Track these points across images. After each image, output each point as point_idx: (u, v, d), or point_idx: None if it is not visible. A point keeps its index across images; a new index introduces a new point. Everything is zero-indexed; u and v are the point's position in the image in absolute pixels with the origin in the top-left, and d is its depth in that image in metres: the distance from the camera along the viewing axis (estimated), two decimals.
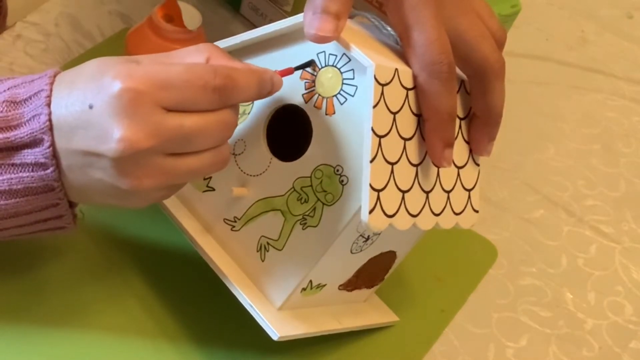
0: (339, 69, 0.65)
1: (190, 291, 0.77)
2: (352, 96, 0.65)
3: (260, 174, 0.70)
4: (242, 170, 0.71)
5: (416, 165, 0.66)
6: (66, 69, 0.88)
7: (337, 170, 0.66)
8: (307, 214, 0.67)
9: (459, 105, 0.69)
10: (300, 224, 0.68)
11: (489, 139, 0.72)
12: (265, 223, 0.70)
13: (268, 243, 0.70)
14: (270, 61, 0.70)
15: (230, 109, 0.63)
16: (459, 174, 0.71)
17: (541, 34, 1.17)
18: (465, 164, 0.72)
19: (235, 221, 0.71)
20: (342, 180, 0.66)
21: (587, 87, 1.12)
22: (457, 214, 0.72)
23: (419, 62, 0.65)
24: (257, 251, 0.70)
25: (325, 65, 0.66)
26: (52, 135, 0.61)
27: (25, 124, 0.61)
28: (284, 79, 0.66)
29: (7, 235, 0.66)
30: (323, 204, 0.67)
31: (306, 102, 0.68)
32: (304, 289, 0.70)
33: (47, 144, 0.61)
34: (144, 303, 0.75)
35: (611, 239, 0.95)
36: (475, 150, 0.72)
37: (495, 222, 0.93)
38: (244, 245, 0.71)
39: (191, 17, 0.81)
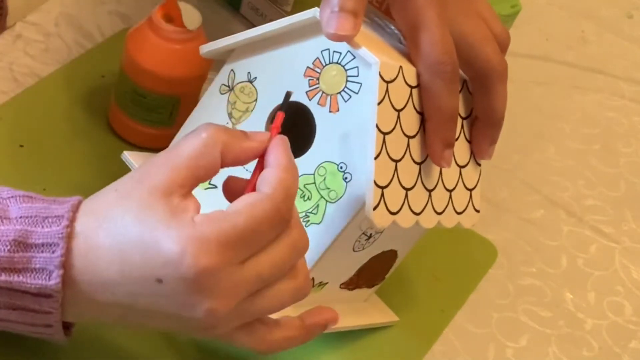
0: (343, 66, 0.65)
1: None
2: (357, 93, 0.65)
3: None
4: (245, 167, 0.71)
5: (419, 163, 0.66)
6: (67, 71, 0.88)
7: (341, 168, 0.66)
8: (310, 211, 0.67)
9: (461, 104, 0.69)
10: (303, 221, 0.68)
11: (490, 142, 0.72)
12: None
13: None
14: (270, 61, 0.70)
15: (296, 226, 0.60)
16: (461, 173, 0.71)
17: (541, 34, 1.17)
18: (467, 164, 0.72)
19: None
20: (346, 178, 0.66)
21: (587, 87, 1.12)
22: (458, 213, 0.72)
23: (422, 62, 0.65)
24: None
25: (330, 63, 0.66)
26: (62, 292, 0.57)
27: (32, 272, 0.57)
28: (290, 77, 0.66)
29: None
30: (326, 201, 0.67)
31: (310, 99, 0.67)
32: None
33: (55, 299, 0.57)
34: None
35: (611, 239, 0.95)
36: (476, 152, 0.72)
37: (495, 222, 0.93)
38: None
39: (191, 17, 0.81)
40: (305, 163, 0.67)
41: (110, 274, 0.57)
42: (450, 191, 0.70)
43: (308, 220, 0.67)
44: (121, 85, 0.83)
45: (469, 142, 0.72)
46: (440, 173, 0.69)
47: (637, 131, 1.08)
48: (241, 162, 0.60)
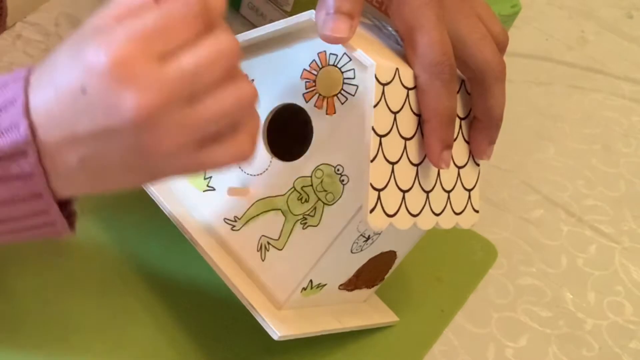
0: (339, 69, 0.65)
1: (190, 291, 0.77)
2: (353, 95, 0.65)
3: (261, 173, 0.70)
4: (242, 170, 0.71)
5: (417, 165, 0.66)
6: None
7: (338, 170, 0.66)
8: (307, 213, 0.67)
9: (459, 105, 0.69)
10: (301, 223, 0.68)
11: (488, 142, 0.72)
12: (265, 223, 0.70)
13: (268, 243, 0.70)
14: (267, 63, 0.70)
15: (219, 30, 0.58)
16: (459, 174, 0.71)
17: (541, 34, 1.17)
18: (466, 164, 0.72)
19: (235, 221, 0.71)
20: (343, 180, 0.66)
21: (587, 87, 1.12)
22: (457, 214, 0.72)
23: (420, 63, 0.65)
24: (258, 251, 0.70)
25: (326, 65, 0.66)
26: (36, 145, 0.58)
27: (2, 134, 0.58)
28: (287, 80, 0.66)
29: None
30: (324, 203, 0.67)
31: (307, 102, 0.68)
32: (304, 289, 0.70)
33: (31, 154, 0.58)
34: (144, 303, 0.75)
35: (611, 239, 0.95)
36: (475, 153, 0.72)
37: (495, 222, 0.93)
38: (244, 245, 0.71)
39: None
40: (303, 165, 0.68)
41: (52, 106, 0.58)
42: (448, 192, 0.70)
43: (306, 223, 0.67)
44: None
45: (467, 142, 0.72)
46: (438, 174, 0.69)
47: (637, 131, 1.08)
48: None
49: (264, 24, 0.69)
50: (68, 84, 0.57)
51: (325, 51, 0.66)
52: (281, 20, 0.67)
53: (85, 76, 0.56)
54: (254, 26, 0.98)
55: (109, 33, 0.56)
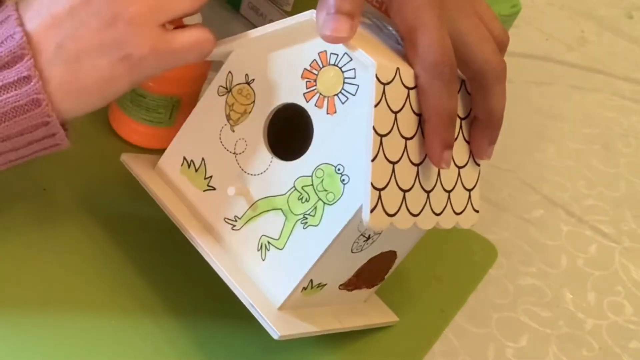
0: (340, 68, 0.65)
1: (190, 290, 0.77)
2: (354, 95, 0.65)
3: (261, 173, 0.70)
4: (242, 170, 0.71)
5: (417, 165, 0.66)
6: None
7: (338, 170, 0.66)
8: (308, 213, 0.67)
9: (460, 105, 0.69)
10: (301, 223, 0.68)
11: (489, 142, 0.72)
12: (266, 222, 0.70)
13: (269, 242, 0.70)
14: (268, 62, 0.70)
15: None
16: (459, 174, 0.71)
17: (541, 34, 1.17)
18: (466, 164, 0.72)
19: (235, 220, 0.71)
20: (343, 180, 0.66)
21: (587, 87, 1.12)
22: (457, 214, 0.72)
23: (420, 63, 0.65)
24: (258, 250, 0.70)
25: (327, 65, 0.66)
26: (31, 49, 0.62)
27: (1, 45, 0.62)
28: (288, 79, 0.66)
29: (4, 161, 0.66)
30: (324, 203, 0.67)
31: (307, 101, 0.68)
32: (304, 289, 0.70)
33: (27, 57, 0.62)
34: (144, 303, 0.75)
35: (611, 239, 0.95)
36: (475, 153, 0.72)
37: (495, 222, 0.93)
38: (245, 245, 0.71)
39: (191, 17, 0.81)
40: (303, 165, 0.68)
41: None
42: (448, 192, 0.70)
43: (306, 222, 0.67)
44: None
45: (468, 142, 0.72)
46: (439, 174, 0.69)
47: (637, 131, 1.08)
48: None
49: (264, 24, 0.69)
50: None
51: (325, 51, 0.66)
52: (281, 20, 0.67)
53: None
54: (254, 26, 0.98)
55: None
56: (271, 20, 0.99)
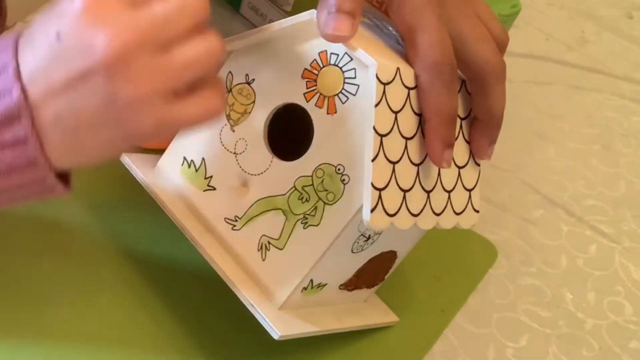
0: (340, 68, 0.65)
1: (191, 291, 0.77)
2: (354, 95, 0.65)
3: (262, 173, 0.70)
4: (243, 170, 0.71)
5: (417, 165, 0.66)
6: None
7: (339, 170, 0.66)
8: (308, 213, 0.67)
9: (460, 105, 0.69)
10: (302, 223, 0.68)
11: (489, 142, 0.72)
12: (266, 222, 0.70)
13: (269, 242, 0.70)
14: (268, 62, 0.70)
15: None
16: (459, 174, 0.71)
17: (541, 34, 1.17)
18: (466, 164, 0.72)
19: (236, 220, 0.71)
20: (344, 180, 0.66)
21: (587, 87, 1.12)
22: (457, 214, 0.72)
23: (421, 63, 0.65)
24: (258, 250, 0.70)
25: (327, 64, 0.66)
26: (29, 108, 0.58)
27: None
28: (288, 79, 0.66)
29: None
30: (324, 203, 0.67)
31: (307, 101, 0.68)
32: (304, 289, 0.70)
33: (25, 118, 0.58)
34: (144, 303, 0.75)
35: (611, 239, 0.95)
36: (475, 153, 0.72)
37: (495, 222, 0.93)
38: (245, 245, 0.71)
39: None
40: (303, 165, 0.68)
41: (28, 59, 0.58)
42: (449, 192, 0.70)
43: (306, 222, 0.67)
44: None
45: (468, 142, 0.72)
46: (439, 174, 0.69)
47: (637, 131, 1.08)
48: None
49: (264, 24, 0.69)
50: (45, 34, 0.58)
51: (326, 50, 0.66)
52: (282, 20, 0.67)
53: (59, 22, 0.57)
54: (254, 26, 0.99)
55: None
56: (271, 20, 0.99)
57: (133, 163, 0.75)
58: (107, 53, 0.55)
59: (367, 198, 0.62)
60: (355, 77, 0.65)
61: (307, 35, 0.67)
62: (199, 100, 0.60)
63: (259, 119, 0.70)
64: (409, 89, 0.65)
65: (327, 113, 0.66)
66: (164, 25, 0.57)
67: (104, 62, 0.56)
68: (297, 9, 0.97)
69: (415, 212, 0.67)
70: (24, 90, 0.58)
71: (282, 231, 0.69)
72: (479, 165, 0.73)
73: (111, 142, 0.60)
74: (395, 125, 0.64)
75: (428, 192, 0.68)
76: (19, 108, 0.58)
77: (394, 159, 0.64)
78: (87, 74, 0.56)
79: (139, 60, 0.56)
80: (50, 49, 0.57)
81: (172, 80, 0.58)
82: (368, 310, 0.79)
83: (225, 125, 0.72)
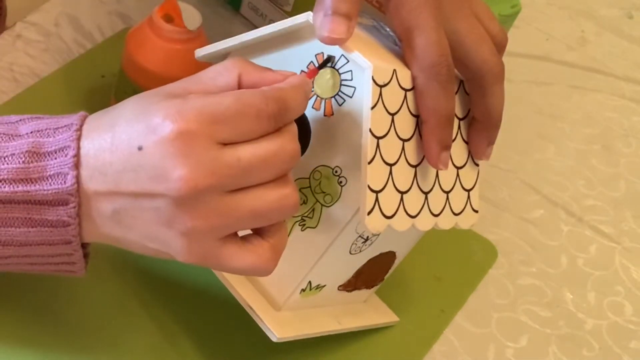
0: (337, 70, 0.65)
1: (190, 292, 0.77)
2: (351, 97, 0.65)
3: None
4: None
5: (415, 166, 0.66)
6: (67, 71, 0.89)
7: (336, 172, 0.66)
8: (305, 215, 0.67)
9: (458, 105, 0.69)
10: (299, 225, 0.68)
11: (488, 143, 0.72)
12: None
13: None
14: (270, 62, 0.70)
15: (287, 133, 0.60)
16: (458, 174, 0.71)
17: (541, 34, 1.17)
18: (465, 164, 0.72)
19: None
20: (341, 182, 0.66)
21: (587, 87, 1.12)
22: (456, 215, 0.72)
23: (418, 64, 0.65)
24: None
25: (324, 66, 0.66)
26: (78, 197, 0.59)
27: (48, 179, 0.59)
28: None
29: (15, 267, 0.64)
30: (322, 205, 0.67)
31: None
32: (303, 290, 0.70)
33: (72, 204, 0.59)
34: (144, 303, 0.75)
35: (611, 239, 0.95)
36: (474, 154, 0.72)
37: (495, 222, 0.93)
38: None
39: (191, 17, 0.81)
40: (301, 167, 0.67)
41: (104, 154, 0.59)
42: (447, 193, 0.70)
43: (304, 224, 0.68)
44: (121, 85, 0.83)
45: (466, 142, 0.72)
46: (437, 175, 0.69)
47: (637, 131, 1.08)
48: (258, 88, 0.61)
49: (264, 24, 0.69)
50: (127, 138, 0.58)
51: (322, 52, 0.66)
52: (279, 22, 0.67)
53: (145, 136, 0.57)
54: (254, 26, 0.99)
55: (181, 102, 0.58)
56: (271, 21, 0.99)
57: None
58: (180, 189, 0.56)
59: (364, 200, 0.62)
60: (351, 79, 0.65)
61: (304, 37, 0.67)
62: (249, 252, 0.61)
63: None
64: (406, 90, 0.65)
65: (324, 115, 0.66)
66: (244, 172, 0.58)
67: (173, 196, 0.57)
68: (297, 9, 0.97)
69: (413, 214, 0.67)
70: (77, 179, 0.59)
71: None
72: (477, 165, 0.73)
73: (153, 250, 0.61)
74: (392, 127, 0.64)
75: (426, 193, 0.68)
76: (69, 194, 0.59)
77: (391, 161, 0.64)
78: (155, 195, 0.57)
79: (207, 199, 0.57)
80: (128, 155, 0.58)
81: (232, 226, 0.59)
82: (368, 311, 0.80)
83: None
